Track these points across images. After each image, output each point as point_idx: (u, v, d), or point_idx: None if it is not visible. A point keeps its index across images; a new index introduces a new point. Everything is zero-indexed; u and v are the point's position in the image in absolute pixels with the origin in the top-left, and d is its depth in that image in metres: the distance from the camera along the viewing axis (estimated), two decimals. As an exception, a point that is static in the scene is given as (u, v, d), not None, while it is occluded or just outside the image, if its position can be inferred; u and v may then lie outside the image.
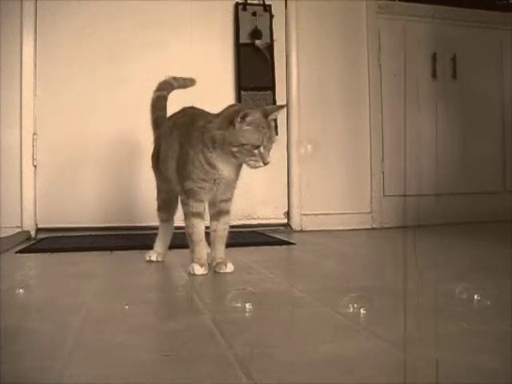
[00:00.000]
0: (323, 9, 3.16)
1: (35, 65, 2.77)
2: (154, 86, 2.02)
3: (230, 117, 1.56)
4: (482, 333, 1.01)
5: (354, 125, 3.20)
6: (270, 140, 1.56)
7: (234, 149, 1.56)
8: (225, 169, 1.63)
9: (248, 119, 1.53)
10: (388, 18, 3.26)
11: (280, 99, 3.03)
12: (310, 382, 0.79)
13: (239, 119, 1.53)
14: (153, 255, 1.92)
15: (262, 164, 1.56)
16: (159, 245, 1.95)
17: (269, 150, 1.57)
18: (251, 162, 1.57)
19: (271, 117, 1.59)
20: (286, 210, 3.10)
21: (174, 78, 2.02)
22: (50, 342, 0.99)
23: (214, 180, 1.64)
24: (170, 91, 2.02)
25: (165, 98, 2.01)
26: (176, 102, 1.90)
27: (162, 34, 2.89)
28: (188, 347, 0.95)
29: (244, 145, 1.54)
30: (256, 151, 1.55)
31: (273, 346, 0.94)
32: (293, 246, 2.43)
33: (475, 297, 1.22)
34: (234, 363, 0.85)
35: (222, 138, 1.57)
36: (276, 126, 2.97)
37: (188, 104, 1.86)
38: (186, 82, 2.04)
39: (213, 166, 1.61)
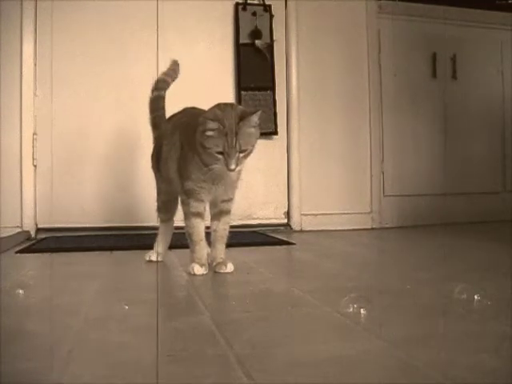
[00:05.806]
0: (323, 9, 3.16)
1: (35, 65, 2.77)
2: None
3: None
4: (482, 333, 1.01)
5: (353, 125, 3.20)
6: (235, 148, 1.49)
7: (201, 151, 1.54)
8: (220, 169, 1.56)
9: (208, 124, 1.49)
10: (388, 17, 3.26)
11: (280, 99, 3.04)
12: (309, 382, 0.79)
13: (201, 123, 1.51)
14: (153, 255, 1.92)
15: (227, 169, 1.52)
16: (159, 245, 1.94)
17: (236, 158, 1.50)
18: (217, 167, 1.54)
19: (245, 122, 1.50)
20: (286, 210, 3.10)
21: (165, 74, 2.01)
22: (50, 342, 0.99)
23: (213, 180, 1.64)
24: (167, 88, 2.01)
25: (162, 98, 2.00)
26: (176, 102, 1.89)
27: (162, 34, 2.89)
28: (188, 347, 0.95)
29: (207, 148, 1.52)
30: (220, 156, 1.51)
31: (273, 346, 0.94)
32: (293, 246, 2.42)
33: (475, 297, 1.22)
34: (234, 363, 0.85)
35: (196, 139, 1.55)
36: (276, 126, 3.03)
37: (188, 104, 1.86)
38: (175, 70, 2.00)
39: (208, 167, 1.57)
